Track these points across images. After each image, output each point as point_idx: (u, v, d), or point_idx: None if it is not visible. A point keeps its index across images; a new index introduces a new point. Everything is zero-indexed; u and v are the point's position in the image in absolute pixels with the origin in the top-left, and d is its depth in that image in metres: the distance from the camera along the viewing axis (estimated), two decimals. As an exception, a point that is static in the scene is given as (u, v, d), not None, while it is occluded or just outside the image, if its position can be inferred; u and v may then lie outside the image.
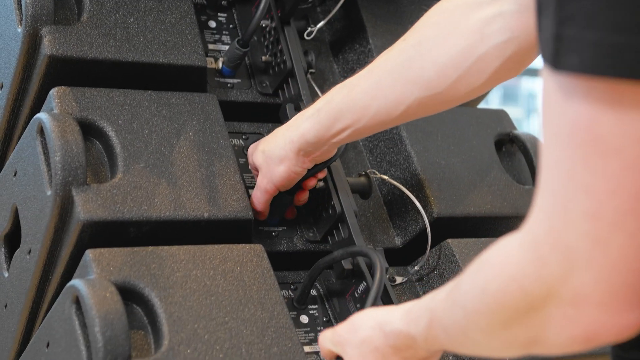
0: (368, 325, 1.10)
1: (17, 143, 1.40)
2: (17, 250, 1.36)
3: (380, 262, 1.30)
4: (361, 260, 1.39)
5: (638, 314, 0.77)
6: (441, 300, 0.96)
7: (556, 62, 0.72)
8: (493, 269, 0.85)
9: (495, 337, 0.87)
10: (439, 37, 1.20)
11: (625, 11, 0.68)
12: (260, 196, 1.40)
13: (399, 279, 1.50)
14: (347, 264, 1.39)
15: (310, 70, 1.56)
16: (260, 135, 1.51)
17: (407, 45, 1.24)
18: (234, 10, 1.62)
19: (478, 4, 1.17)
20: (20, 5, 1.38)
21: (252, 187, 1.47)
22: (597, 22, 0.69)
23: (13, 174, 1.38)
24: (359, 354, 1.10)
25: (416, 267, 1.50)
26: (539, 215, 0.79)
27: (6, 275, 1.39)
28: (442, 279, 1.48)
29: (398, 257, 1.53)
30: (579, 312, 0.77)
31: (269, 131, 1.49)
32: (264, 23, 1.59)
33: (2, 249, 1.41)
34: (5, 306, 1.39)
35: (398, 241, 1.56)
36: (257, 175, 1.41)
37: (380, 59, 1.27)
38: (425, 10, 1.61)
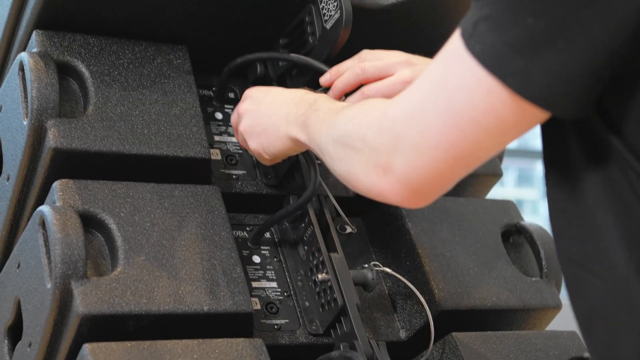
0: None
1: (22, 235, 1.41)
2: (19, 343, 1.36)
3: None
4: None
5: (412, 200, 1.07)
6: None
7: (467, 42, 0.95)
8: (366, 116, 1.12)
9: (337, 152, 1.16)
10: None
11: (520, 39, 0.91)
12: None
13: (403, 373, 1.48)
14: None
15: None
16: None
17: None
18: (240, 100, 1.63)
19: None
20: (27, 98, 1.40)
21: (255, 279, 1.47)
22: (501, 33, 0.92)
23: (17, 265, 1.38)
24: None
25: (420, 361, 1.49)
26: (400, 101, 1.05)
27: (8, 367, 1.39)
28: (446, 373, 1.47)
29: (403, 351, 1.52)
30: (382, 174, 1.05)
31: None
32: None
33: (6, 341, 1.41)
34: (6, 399, 1.39)
35: (402, 334, 1.54)
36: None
37: None
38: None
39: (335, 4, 1.48)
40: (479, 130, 0.98)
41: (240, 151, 1.58)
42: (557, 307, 1.62)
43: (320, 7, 1.51)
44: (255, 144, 1.43)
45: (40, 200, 1.41)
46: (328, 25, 1.49)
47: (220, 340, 1.30)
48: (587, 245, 0.99)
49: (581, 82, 0.91)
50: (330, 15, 1.49)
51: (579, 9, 0.89)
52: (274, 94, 1.44)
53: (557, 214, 1.03)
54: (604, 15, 0.89)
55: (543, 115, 0.95)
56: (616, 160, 0.95)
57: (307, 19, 1.54)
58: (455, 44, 0.98)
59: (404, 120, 1.03)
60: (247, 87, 1.63)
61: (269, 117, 1.41)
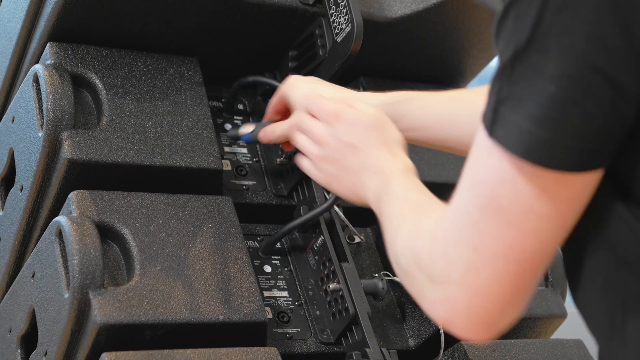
0: None
1: (35, 245, 1.42)
2: (34, 352, 1.37)
3: None
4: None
5: (487, 333, 0.96)
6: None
7: (490, 129, 0.90)
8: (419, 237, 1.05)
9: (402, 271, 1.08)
10: None
11: (542, 108, 0.86)
12: (282, 133, 1.41)
13: (412, 381, 1.50)
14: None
15: None
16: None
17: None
18: (249, 112, 1.65)
19: None
20: (42, 110, 1.41)
21: (266, 289, 1.49)
22: (522, 110, 0.87)
23: (31, 275, 1.40)
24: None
25: (430, 369, 1.51)
26: (447, 218, 0.97)
27: (22, 376, 1.40)
28: (455, 381, 1.49)
29: (412, 359, 1.54)
30: (444, 309, 0.97)
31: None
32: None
33: (19, 350, 1.42)
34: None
35: (412, 342, 1.56)
36: (278, 104, 1.46)
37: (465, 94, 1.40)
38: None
39: (347, 17, 1.49)
40: (534, 219, 0.90)
41: (250, 162, 1.59)
42: (563, 315, 1.64)
43: (331, 20, 1.53)
44: (328, 181, 1.33)
45: (54, 211, 1.42)
46: (339, 39, 1.51)
47: (235, 349, 1.32)
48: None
49: (609, 136, 0.87)
50: (341, 29, 1.51)
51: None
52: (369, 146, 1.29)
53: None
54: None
55: (593, 176, 0.90)
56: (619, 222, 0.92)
57: (317, 31, 1.56)
58: (480, 139, 0.92)
59: (454, 239, 0.95)
60: (255, 99, 1.65)
61: (350, 172, 1.29)
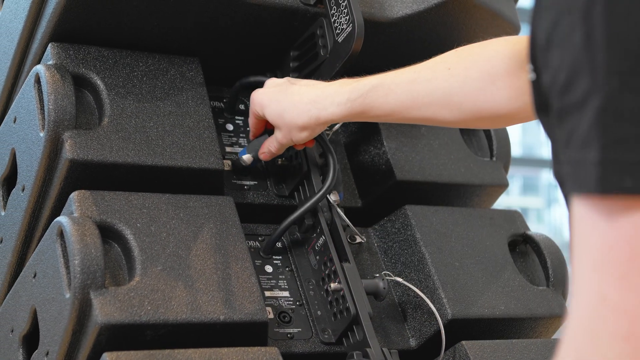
0: None
1: (37, 245, 1.43)
2: (35, 352, 1.37)
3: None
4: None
5: None
6: None
7: (603, 186, 0.72)
8: None
9: None
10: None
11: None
12: (278, 148, 1.52)
13: (413, 381, 1.50)
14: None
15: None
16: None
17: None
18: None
19: None
20: (43, 110, 1.41)
21: (267, 289, 1.49)
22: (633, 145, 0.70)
23: (33, 275, 1.40)
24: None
25: (431, 369, 1.51)
26: (566, 350, 0.76)
27: (23, 376, 1.40)
28: (456, 381, 1.49)
29: (413, 359, 1.54)
30: None
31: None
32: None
33: (21, 350, 1.43)
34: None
35: (413, 342, 1.56)
36: (257, 121, 1.55)
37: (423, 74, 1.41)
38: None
39: (348, 17, 1.50)
40: None
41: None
42: (564, 315, 1.64)
43: (332, 20, 1.53)
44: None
45: (56, 211, 1.42)
46: (340, 39, 1.51)
47: (236, 349, 1.32)
48: None
49: None
50: (342, 29, 1.51)
51: None
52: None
53: None
54: None
55: None
56: None
57: (318, 32, 1.56)
58: (581, 210, 0.75)
59: (598, 342, 0.73)
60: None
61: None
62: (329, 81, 1.49)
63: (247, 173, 1.59)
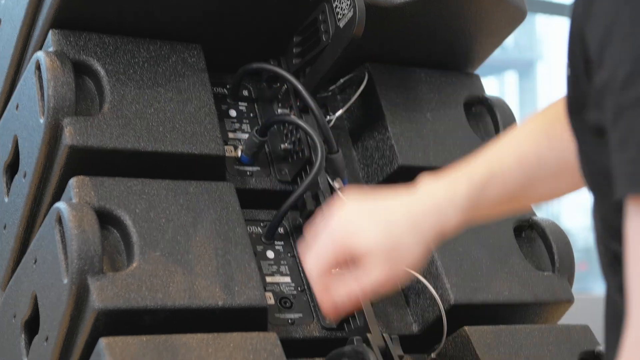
0: None
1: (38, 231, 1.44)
2: (36, 337, 1.38)
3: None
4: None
5: None
6: None
7: None
8: None
9: None
10: None
11: None
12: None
13: (415, 367, 1.50)
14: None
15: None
16: None
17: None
18: (254, 98, 1.65)
19: None
20: (43, 97, 1.42)
21: (269, 274, 1.49)
22: None
23: (33, 261, 1.40)
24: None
25: (433, 355, 1.50)
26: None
27: (25, 360, 1.41)
28: (459, 367, 1.48)
29: (415, 344, 1.53)
30: None
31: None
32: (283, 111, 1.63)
33: (23, 335, 1.43)
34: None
35: (415, 328, 1.56)
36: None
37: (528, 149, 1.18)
38: (443, 99, 1.64)
39: (349, 2, 1.49)
40: None
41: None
42: (569, 301, 1.63)
43: (334, 5, 1.52)
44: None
45: (57, 197, 1.43)
46: (341, 24, 1.51)
47: (234, 334, 1.32)
48: None
49: None
50: (343, 14, 1.50)
51: None
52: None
53: None
54: None
55: None
56: None
57: (320, 17, 1.56)
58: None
59: None
60: (260, 85, 1.65)
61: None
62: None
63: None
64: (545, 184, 1.16)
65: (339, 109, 1.66)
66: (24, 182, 1.46)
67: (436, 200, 1.13)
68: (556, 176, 1.16)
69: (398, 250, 1.09)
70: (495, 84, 9.99)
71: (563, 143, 1.10)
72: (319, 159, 1.51)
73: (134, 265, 1.33)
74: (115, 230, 1.37)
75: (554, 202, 6.13)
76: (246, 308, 1.37)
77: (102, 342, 1.24)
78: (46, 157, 1.42)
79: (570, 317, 1.65)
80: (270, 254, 1.52)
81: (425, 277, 1.53)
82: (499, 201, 1.15)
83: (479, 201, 1.13)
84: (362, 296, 1.12)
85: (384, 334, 1.43)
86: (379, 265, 1.09)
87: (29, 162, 1.45)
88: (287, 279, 1.50)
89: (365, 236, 1.09)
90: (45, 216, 1.44)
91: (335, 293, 1.12)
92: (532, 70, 10.49)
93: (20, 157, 1.48)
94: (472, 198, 1.12)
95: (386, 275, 1.10)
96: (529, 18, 1.72)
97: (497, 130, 1.78)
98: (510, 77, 10.63)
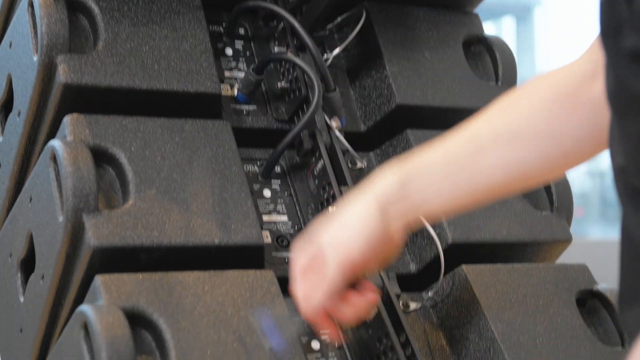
0: None
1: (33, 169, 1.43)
2: (32, 275, 1.38)
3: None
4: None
5: None
6: None
7: None
8: None
9: None
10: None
11: None
12: None
13: (413, 305, 1.49)
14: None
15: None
16: None
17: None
18: (250, 36, 1.63)
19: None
20: (36, 34, 1.40)
21: (266, 213, 1.48)
22: None
23: (28, 200, 1.40)
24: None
25: (430, 294, 1.50)
26: None
27: (22, 300, 1.41)
28: (456, 305, 1.48)
29: (413, 283, 1.53)
30: None
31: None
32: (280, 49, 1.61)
33: (19, 274, 1.43)
34: (21, 330, 1.41)
35: (412, 267, 1.56)
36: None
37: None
38: (442, 38, 1.62)
39: None
40: None
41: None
42: (567, 240, 1.62)
43: None
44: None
45: (51, 136, 1.42)
46: None
47: (231, 271, 1.31)
48: None
49: None
50: None
51: None
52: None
53: None
54: None
55: None
56: None
57: None
58: None
59: None
60: (257, 23, 1.63)
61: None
62: None
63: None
64: (493, 153, 1.15)
65: (336, 48, 1.64)
66: (18, 120, 1.45)
67: (377, 203, 1.19)
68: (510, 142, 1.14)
69: (343, 241, 1.20)
70: (492, 29, 9.94)
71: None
72: (315, 97, 1.49)
73: (130, 203, 1.32)
74: (110, 169, 1.36)
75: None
76: (243, 246, 1.36)
77: (98, 279, 1.24)
78: (40, 96, 1.40)
79: (566, 261, 1.64)
80: (267, 192, 1.51)
81: (422, 216, 1.52)
82: (445, 190, 1.18)
83: (419, 196, 1.18)
84: (328, 288, 1.21)
85: (381, 273, 1.43)
86: (332, 256, 1.20)
87: (23, 101, 1.43)
88: (284, 218, 1.50)
89: (324, 234, 1.22)
90: (40, 154, 1.43)
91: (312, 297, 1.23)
92: (529, 15, 10.43)
93: (15, 95, 1.47)
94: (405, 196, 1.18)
95: (341, 264, 1.20)
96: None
97: (495, 71, 1.76)
98: (508, 22, 10.57)
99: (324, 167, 1.50)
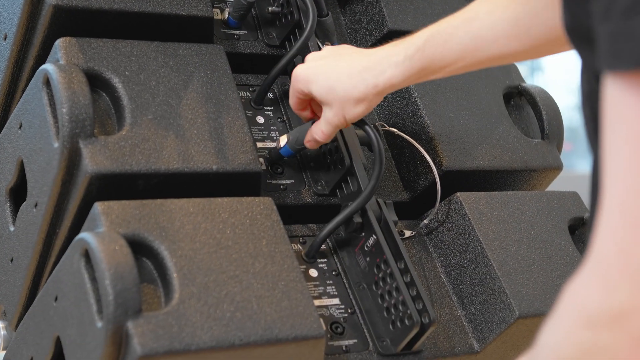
0: None
1: (21, 95, 1.38)
2: (24, 204, 1.35)
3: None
4: (371, 214, 1.38)
5: None
6: None
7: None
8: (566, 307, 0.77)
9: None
10: None
11: None
12: (329, 131, 1.36)
13: (407, 233, 1.48)
14: (356, 218, 1.38)
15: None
16: None
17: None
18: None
19: None
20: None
21: (259, 140, 1.46)
22: None
23: (18, 126, 1.36)
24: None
25: (425, 221, 1.49)
26: (604, 236, 0.72)
27: (12, 229, 1.37)
28: (451, 233, 1.47)
29: (407, 211, 1.52)
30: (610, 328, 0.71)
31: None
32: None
33: (8, 203, 1.40)
34: (12, 260, 1.38)
35: (407, 195, 1.54)
36: (301, 101, 1.38)
37: (481, 8, 1.25)
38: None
39: None
40: None
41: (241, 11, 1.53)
42: (559, 168, 1.62)
43: None
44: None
45: (40, 60, 1.38)
46: None
47: (230, 198, 1.29)
48: None
49: None
50: None
51: None
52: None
53: None
54: None
55: None
56: None
57: None
58: (622, 94, 0.69)
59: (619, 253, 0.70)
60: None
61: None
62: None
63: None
64: (494, 45, 1.24)
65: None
66: (4, 44, 1.41)
67: (375, 56, 1.31)
68: (508, 37, 1.22)
69: (339, 97, 1.32)
70: None
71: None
72: (310, 22, 1.46)
73: (126, 128, 1.29)
74: (104, 94, 1.32)
75: (537, 80, 6.12)
76: (240, 173, 1.34)
77: (98, 206, 1.21)
78: (28, 18, 1.36)
79: (558, 185, 1.64)
80: (259, 119, 1.49)
81: (417, 143, 1.51)
82: (444, 59, 1.27)
83: (420, 57, 1.27)
84: (326, 129, 1.36)
85: (378, 200, 1.41)
86: (326, 104, 1.34)
87: (9, 24, 1.39)
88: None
89: (315, 81, 1.34)
90: (28, 79, 1.39)
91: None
92: None
93: (1, 18, 1.42)
94: (410, 55, 1.28)
95: (335, 115, 1.34)
96: None
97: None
98: None
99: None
